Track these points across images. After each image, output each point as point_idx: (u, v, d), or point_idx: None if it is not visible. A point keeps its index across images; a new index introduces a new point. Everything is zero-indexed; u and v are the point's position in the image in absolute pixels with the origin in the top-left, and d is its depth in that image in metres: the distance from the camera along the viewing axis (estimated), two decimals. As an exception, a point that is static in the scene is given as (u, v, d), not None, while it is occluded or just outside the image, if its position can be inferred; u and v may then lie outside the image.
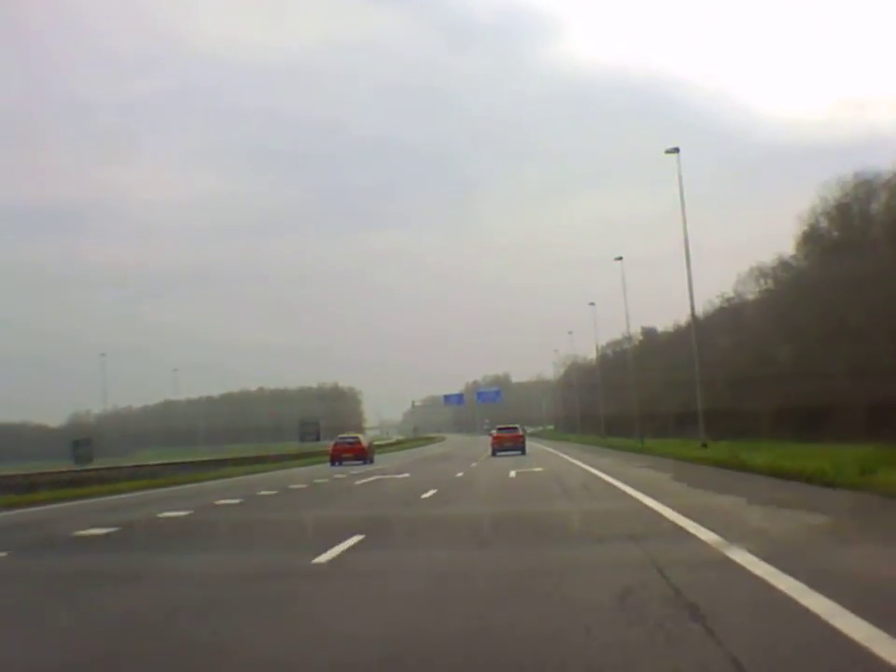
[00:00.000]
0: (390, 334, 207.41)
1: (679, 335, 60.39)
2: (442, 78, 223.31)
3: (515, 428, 54.56)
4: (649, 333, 78.54)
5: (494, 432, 55.00)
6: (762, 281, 52.31)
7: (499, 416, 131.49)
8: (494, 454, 49.64)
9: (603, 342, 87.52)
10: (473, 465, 38.00)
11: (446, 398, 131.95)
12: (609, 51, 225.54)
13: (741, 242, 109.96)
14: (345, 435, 54.11)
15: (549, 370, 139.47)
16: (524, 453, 48.88)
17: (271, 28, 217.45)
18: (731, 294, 55.51)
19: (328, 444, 59.47)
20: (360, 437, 53.81)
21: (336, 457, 47.92)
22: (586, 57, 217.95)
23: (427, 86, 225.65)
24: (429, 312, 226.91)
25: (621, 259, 57.56)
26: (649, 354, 70.82)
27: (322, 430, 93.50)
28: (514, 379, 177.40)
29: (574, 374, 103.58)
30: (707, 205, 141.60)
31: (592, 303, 74.16)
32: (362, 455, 48.18)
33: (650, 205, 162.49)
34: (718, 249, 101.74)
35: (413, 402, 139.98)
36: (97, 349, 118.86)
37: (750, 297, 53.40)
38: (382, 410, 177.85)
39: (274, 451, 68.22)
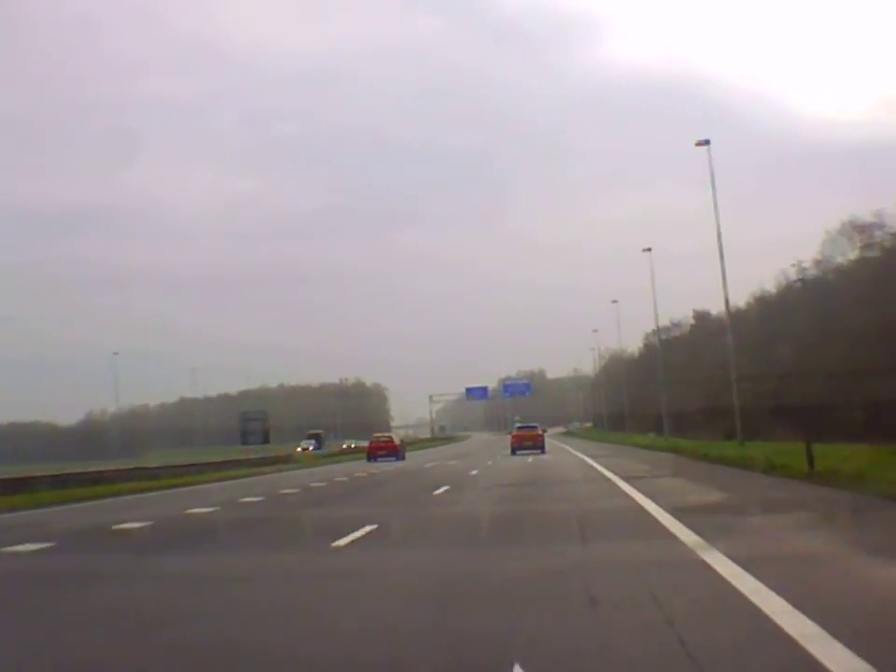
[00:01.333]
0: (422, 334, 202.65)
1: (741, 317, 52.10)
2: (479, 81, 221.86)
3: (535, 427, 55.62)
4: (702, 317, 69.73)
5: (514, 431, 55.87)
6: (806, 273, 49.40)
7: (532, 414, 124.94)
8: (513, 452, 49.57)
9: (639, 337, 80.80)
10: (473, 473, 30.39)
11: (469, 391, 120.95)
12: (645, 52, 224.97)
13: (776, 240, 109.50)
14: (380, 434, 59.19)
15: (585, 365, 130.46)
16: (543, 452, 49.16)
17: (307, 32, 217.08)
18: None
19: (284, 449, 65.11)
20: (393, 436, 58.43)
21: (372, 454, 50.57)
22: (623, 58, 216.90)
23: (463, 89, 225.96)
24: (462, 311, 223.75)
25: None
26: (702, 341, 63.26)
27: (335, 429, 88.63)
28: (549, 375, 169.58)
29: (617, 367, 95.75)
30: (745, 203, 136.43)
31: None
32: (395, 452, 51.13)
33: (685, 203, 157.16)
34: (753, 247, 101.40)
35: (431, 397, 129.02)
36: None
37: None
38: (412, 408, 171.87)
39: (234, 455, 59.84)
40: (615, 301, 76.70)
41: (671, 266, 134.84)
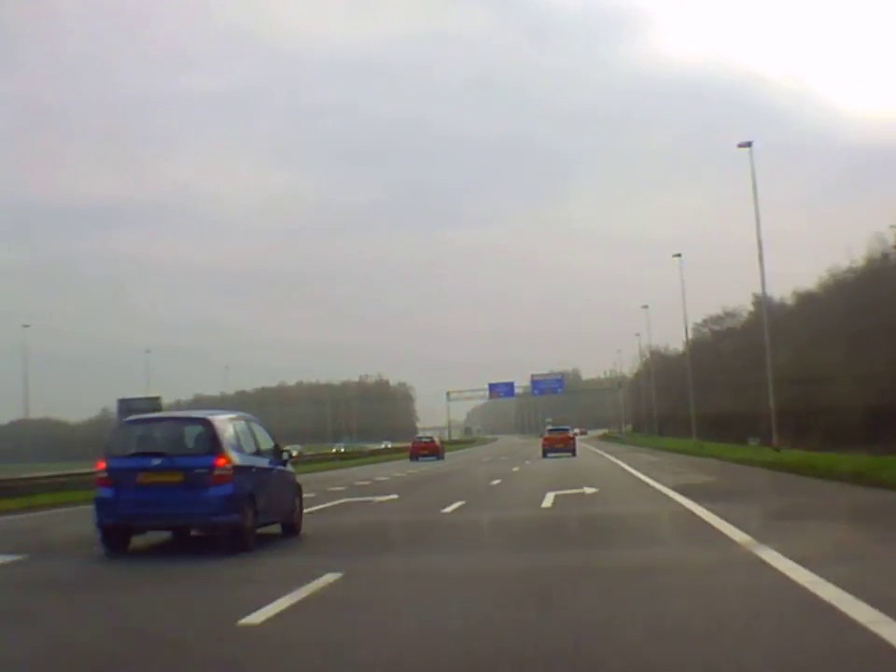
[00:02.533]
0: (456, 331, 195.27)
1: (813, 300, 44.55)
2: (523, 73, 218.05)
3: (566, 430, 56.68)
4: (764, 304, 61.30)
5: (545, 434, 57.04)
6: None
7: (565, 417, 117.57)
8: (545, 455, 50.31)
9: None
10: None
11: (492, 387, 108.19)
12: (691, 48, 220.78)
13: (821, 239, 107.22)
14: (422, 435, 65.69)
15: (624, 363, 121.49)
16: (574, 454, 49.99)
17: (349, 24, 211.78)
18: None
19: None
20: (434, 437, 62.15)
21: (415, 454, 53.92)
22: (667, 53, 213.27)
23: (507, 81, 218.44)
24: (497, 308, 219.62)
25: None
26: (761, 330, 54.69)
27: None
28: (585, 375, 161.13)
29: (657, 366, 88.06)
30: (790, 202, 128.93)
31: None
32: (436, 452, 54.74)
33: (725, 199, 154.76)
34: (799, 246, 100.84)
35: (449, 394, 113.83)
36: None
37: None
38: (442, 409, 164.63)
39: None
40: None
41: (729, 258, 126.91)
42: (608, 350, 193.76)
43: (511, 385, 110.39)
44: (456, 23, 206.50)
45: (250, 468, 12.05)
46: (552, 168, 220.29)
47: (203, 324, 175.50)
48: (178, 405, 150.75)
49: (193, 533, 12.51)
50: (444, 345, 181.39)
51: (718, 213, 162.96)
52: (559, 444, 51.87)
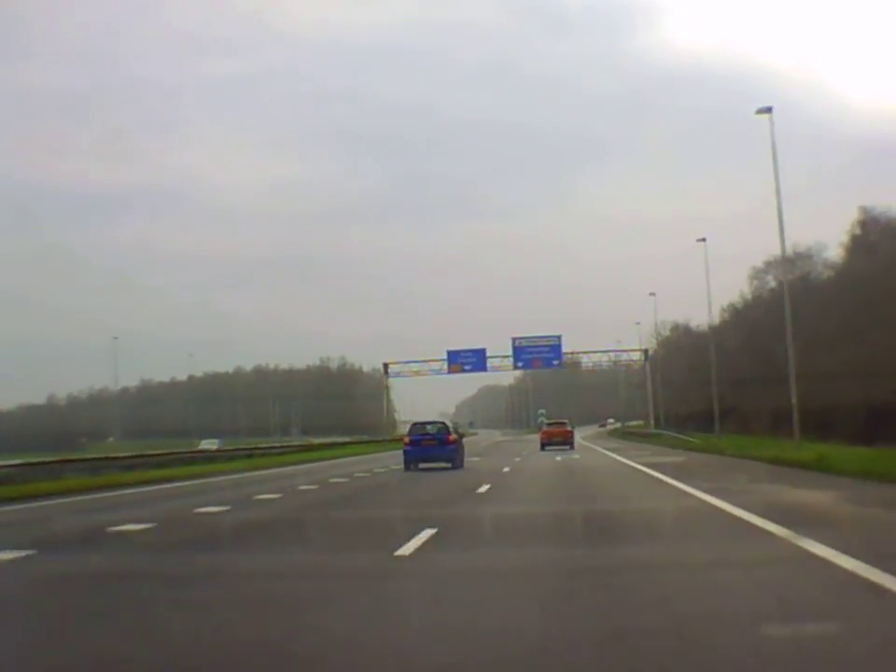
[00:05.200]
0: (457, 321, 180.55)
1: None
2: (535, 61, 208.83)
3: (564, 424, 56.47)
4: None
5: (544, 427, 58.51)
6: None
7: (564, 411, 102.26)
8: (542, 448, 50.88)
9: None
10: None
11: (452, 357, 76.72)
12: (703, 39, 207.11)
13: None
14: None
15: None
16: (572, 447, 50.24)
17: (356, 6, 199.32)
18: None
19: None
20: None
21: None
22: (680, 44, 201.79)
23: (518, 68, 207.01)
24: (501, 293, 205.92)
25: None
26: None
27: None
28: (586, 363, 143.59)
29: (681, 344, 72.94)
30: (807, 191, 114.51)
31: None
32: None
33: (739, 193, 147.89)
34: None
35: (387, 366, 79.90)
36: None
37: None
38: (424, 400, 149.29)
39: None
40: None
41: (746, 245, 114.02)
42: (608, 339, 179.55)
43: (480, 355, 76.42)
44: (467, 7, 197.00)
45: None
46: (561, 158, 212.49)
47: (194, 310, 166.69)
48: (124, 393, 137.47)
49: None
50: (442, 333, 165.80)
51: (734, 207, 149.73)
52: (558, 437, 52.82)
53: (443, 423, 34.57)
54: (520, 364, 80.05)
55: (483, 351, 76.88)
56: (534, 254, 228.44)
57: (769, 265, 61.92)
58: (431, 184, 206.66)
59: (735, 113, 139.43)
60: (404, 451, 31.54)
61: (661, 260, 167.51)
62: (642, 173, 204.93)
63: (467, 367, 77.27)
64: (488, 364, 77.78)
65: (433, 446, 30.90)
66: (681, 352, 79.76)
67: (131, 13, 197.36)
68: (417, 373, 79.51)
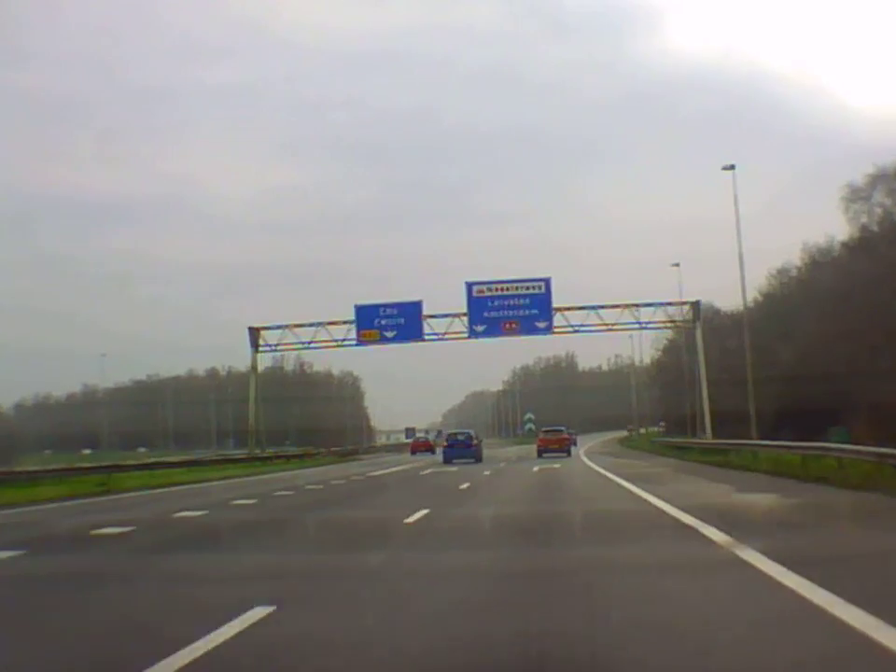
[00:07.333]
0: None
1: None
2: (536, 66, 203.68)
3: (561, 430, 56.32)
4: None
5: (541, 435, 57.40)
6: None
7: (563, 415, 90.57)
8: (539, 455, 50.48)
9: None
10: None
11: (360, 315, 52.94)
12: (704, 44, 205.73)
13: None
14: (420, 435, 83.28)
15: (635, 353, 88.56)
16: (569, 455, 49.83)
17: (356, 13, 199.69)
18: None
19: None
20: (430, 437, 78.30)
21: (414, 450, 68.07)
22: (679, 49, 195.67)
23: (518, 73, 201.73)
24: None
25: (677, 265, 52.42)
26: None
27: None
28: (582, 365, 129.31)
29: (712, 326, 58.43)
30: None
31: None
32: (431, 449, 67.65)
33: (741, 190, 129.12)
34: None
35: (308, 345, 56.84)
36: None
37: None
38: (399, 410, 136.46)
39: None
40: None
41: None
42: (607, 338, 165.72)
43: (411, 312, 52.17)
44: (467, 13, 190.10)
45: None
46: (562, 163, 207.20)
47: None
48: (70, 399, 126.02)
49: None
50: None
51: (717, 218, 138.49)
52: (554, 445, 52.56)
53: (469, 432, 51.69)
54: (480, 328, 52.41)
55: (415, 306, 52.78)
56: (534, 257, 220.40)
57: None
58: (431, 190, 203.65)
59: (735, 115, 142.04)
60: (443, 451, 48.84)
61: (661, 262, 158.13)
62: (650, 175, 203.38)
63: (387, 332, 52.85)
64: (425, 326, 53.28)
65: (463, 448, 47.06)
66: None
67: (129, 20, 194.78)
68: (339, 345, 55.26)
